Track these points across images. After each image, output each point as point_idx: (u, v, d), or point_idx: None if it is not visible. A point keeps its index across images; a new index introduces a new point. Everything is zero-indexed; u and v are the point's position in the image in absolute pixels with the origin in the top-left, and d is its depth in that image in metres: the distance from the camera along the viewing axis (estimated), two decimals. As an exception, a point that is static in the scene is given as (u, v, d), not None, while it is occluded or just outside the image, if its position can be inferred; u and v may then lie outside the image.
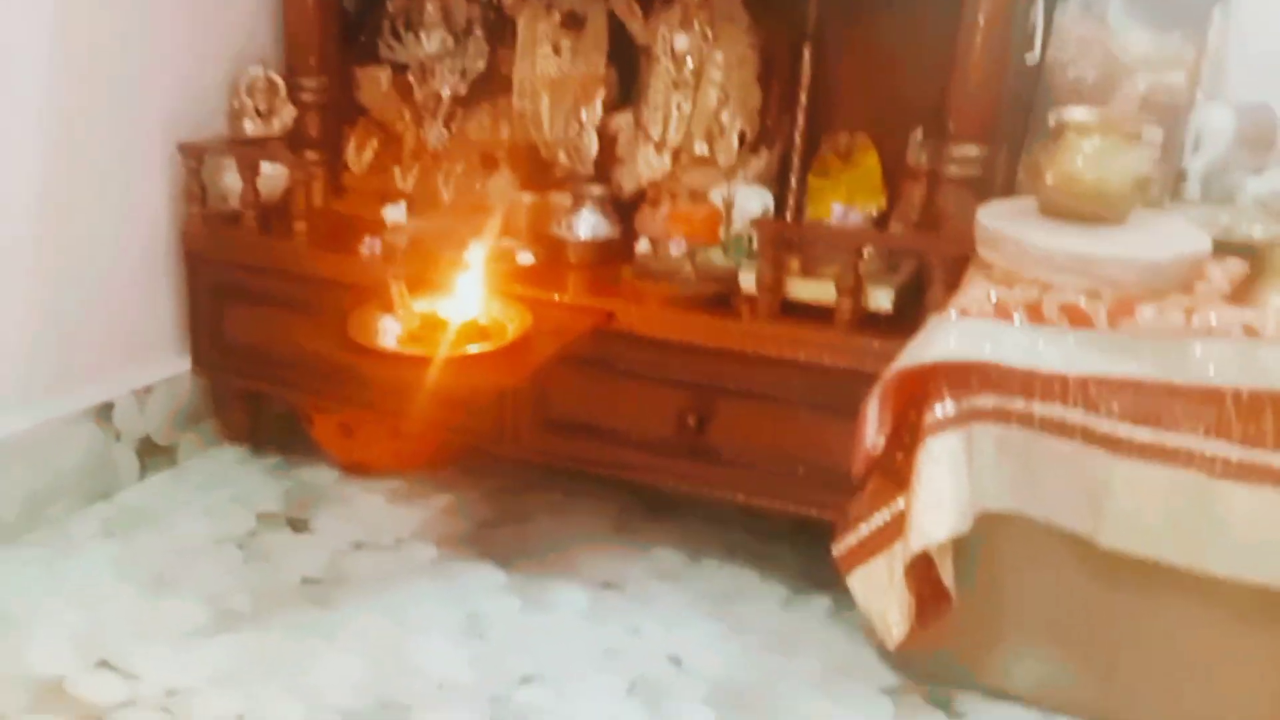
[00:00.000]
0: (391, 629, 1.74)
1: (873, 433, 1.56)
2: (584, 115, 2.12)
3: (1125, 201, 1.56)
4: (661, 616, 1.81)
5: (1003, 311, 1.49)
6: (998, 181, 1.82)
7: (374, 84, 2.26)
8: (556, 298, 1.86)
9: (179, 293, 2.16)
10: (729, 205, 1.92)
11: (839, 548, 1.63)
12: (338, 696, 1.58)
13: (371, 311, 1.73)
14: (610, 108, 2.12)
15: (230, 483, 2.13)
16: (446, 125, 2.23)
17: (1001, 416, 1.50)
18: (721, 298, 1.82)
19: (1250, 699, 1.52)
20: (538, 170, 2.17)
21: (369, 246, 1.99)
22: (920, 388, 1.52)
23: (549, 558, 1.95)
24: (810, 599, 1.87)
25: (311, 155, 2.16)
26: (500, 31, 2.20)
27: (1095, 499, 1.47)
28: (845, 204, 1.89)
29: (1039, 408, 1.48)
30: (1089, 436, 1.46)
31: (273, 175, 2.11)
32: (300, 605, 1.78)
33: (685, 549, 2.00)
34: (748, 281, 1.77)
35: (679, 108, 2.05)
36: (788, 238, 1.80)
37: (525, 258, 1.99)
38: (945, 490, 1.47)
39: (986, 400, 1.50)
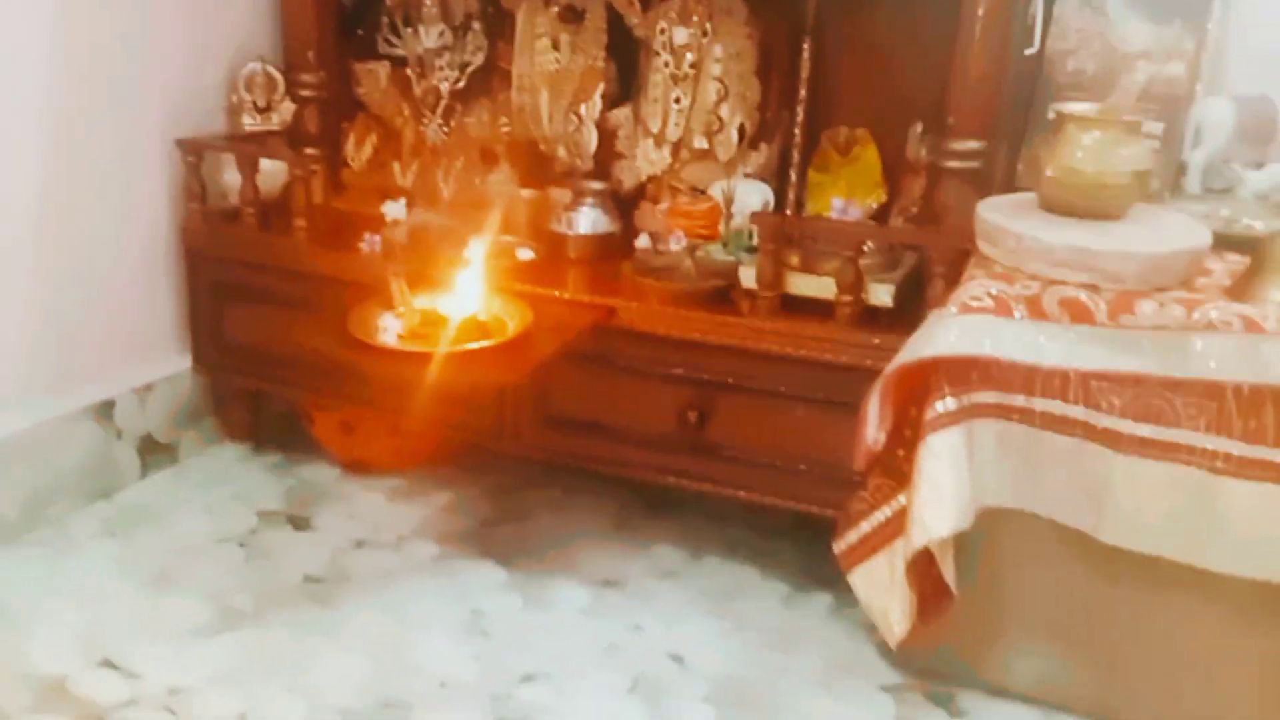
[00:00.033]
0: (392, 627, 1.74)
1: (874, 429, 1.56)
2: (583, 110, 2.12)
3: (1125, 195, 1.55)
4: (662, 614, 1.81)
5: (1003, 306, 1.49)
6: (998, 176, 1.81)
7: (373, 79, 2.25)
8: (556, 294, 1.86)
9: (179, 290, 2.16)
10: (729, 200, 1.92)
11: (840, 544, 1.64)
12: (339, 695, 1.58)
13: (372, 308, 1.72)
14: (609, 102, 2.12)
15: (231, 481, 2.14)
16: (446, 120, 2.22)
17: (1002, 412, 1.49)
18: (722, 293, 1.81)
19: (1250, 694, 1.51)
20: (537, 165, 2.17)
21: (369, 243, 1.99)
22: (921, 383, 1.51)
23: (550, 555, 1.95)
24: (811, 596, 1.87)
25: (311, 151, 2.15)
26: (499, 26, 2.20)
27: (1096, 495, 1.47)
28: (845, 199, 1.89)
29: (1040, 403, 1.47)
30: (1090, 432, 1.45)
31: (272, 172, 2.11)
32: (301, 603, 1.78)
33: (686, 546, 2.00)
34: (748, 277, 1.77)
35: (678, 102, 2.05)
36: (788, 232, 1.80)
37: (525, 254, 1.99)
38: (946, 486, 1.46)
39: (987, 396, 1.49)
